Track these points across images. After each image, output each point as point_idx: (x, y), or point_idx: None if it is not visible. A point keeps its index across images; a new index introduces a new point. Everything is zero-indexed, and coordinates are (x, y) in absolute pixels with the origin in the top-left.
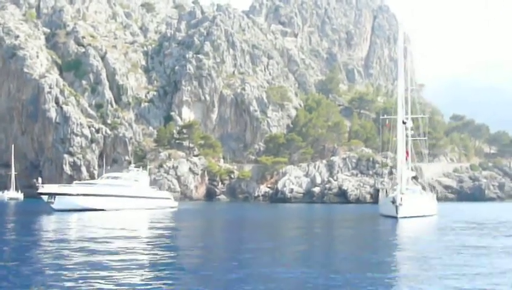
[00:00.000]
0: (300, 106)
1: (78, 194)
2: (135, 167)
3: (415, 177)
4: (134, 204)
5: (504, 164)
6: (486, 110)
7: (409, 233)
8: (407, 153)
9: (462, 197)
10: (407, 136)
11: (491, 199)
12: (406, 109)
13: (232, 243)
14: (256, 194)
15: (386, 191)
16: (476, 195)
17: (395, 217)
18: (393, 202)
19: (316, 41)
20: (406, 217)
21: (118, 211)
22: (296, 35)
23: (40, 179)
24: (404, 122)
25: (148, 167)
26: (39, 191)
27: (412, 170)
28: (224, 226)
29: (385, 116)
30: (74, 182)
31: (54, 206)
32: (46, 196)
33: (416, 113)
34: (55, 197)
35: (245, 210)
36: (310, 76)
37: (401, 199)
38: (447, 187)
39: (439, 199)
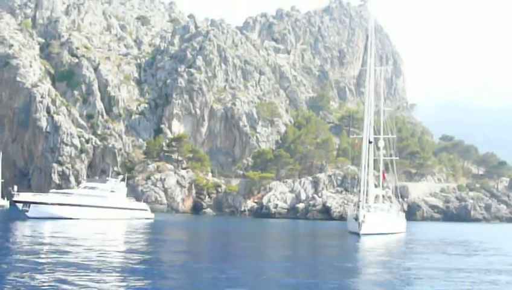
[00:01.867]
0: (291, 122)
1: (53, 203)
2: (116, 178)
3: (401, 196)
4: (109, 214)
5: (491, 185)
6: (478, 131)
7: (357, 250)
8: (383, 173)
9: (448, 218)
10: (378, 156)
11: (477, 220)
12: (378, 128)
13: (179, 255)
14: (242, 208)
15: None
16: (461, 215)
17: (358, 234)
18: (356, 219)
19: (308, 59)
20: (368, 234)
21: (91, 221)
22: (288, 52)
23: (15, 187)
24: (370, 142)
25: (136, 178)
26: (14, 199)
27: (390, 188)
28: (190, 238)
29: (354, 136)
30: (50, 191)
31: (28, 214)
32: (21, 204)
33: (390, 133)
34: (29, 206)
35: (222, 224)
36: (301, 93)
37: (363, 216)
38: (433, 207)
39: (424, 219)
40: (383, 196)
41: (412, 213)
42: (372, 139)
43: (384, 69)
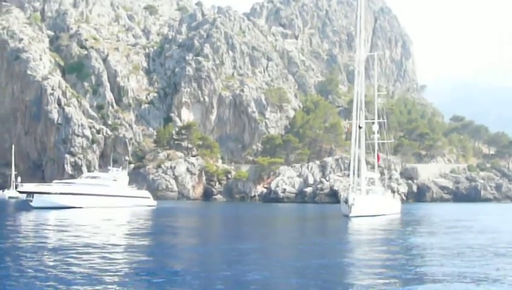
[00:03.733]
0: (299, 107)
1: (56, 193)
2: (128, 166)
3: (410, 178)
4: (111, 202)
5: (502, 164)
6: (492, 110)
7: (339, 231)
8: (378, 156)
9: (458, 198)
10: (373, 139)
11: (488, 200)
12: (371, 111)
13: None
14: (252, 194)
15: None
16: (471, 196)
17: (348, 216)
18: (346, 201)
19: (316, 43)
20: (358, 216)
21: (94, 209)
22: (296, 37)
23: (19, 179)
24: (360, 127)
25: (147, 166)
26: (18, 189)
27: (396, 171)
28: (187, 224)
29: (347, 121)
30: (54, 181)
31: (32, 204)
32: (25, 195)
33: (382, 117)
34: (33, 196)
35: (223, 209)
36: (309, 77)
37: (353, 198)
38: (442, 188)
39: (434, 200)
40: (380, 178)
41: (421, 195)
42: (362, 125)
43: (380, 55)
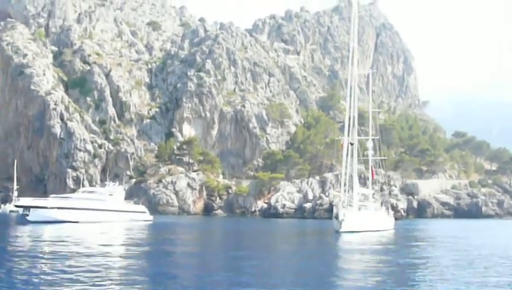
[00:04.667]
0: (301, 122)
1: (52, 207)
2: (129, 181)
3: (410, 194)
4: (108, 217)
5: (504, 181)
6: (495, 125)
7: (326, 246)
8: (372, 172)
9: (459, 214)
10: (367, 156)
11: (489, 216)
12: (361, 127)
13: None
14: (253, 209)
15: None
16: (473, 212)
17: (339, 232)
18: (337, 217)
19: (318, 59)
20: (349, 231)
21: (90, 224)
22: (298, 53)
23: (15, 193)
24: (351, 144)
25: (148, 181)
26: (15, 203)
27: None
28: (178, 239)
29: (339, 137)
30: (50, 195)
31: (28, 218)
32: (21, 209)
33: (375, 134)
34: (29, 210)
35: (217, 224)
36: (311, 93)
37: (343, 214)
38: (444, 204)
39: (435, 216)
40: (373, 195)
41: (422, 211)
42: (353, 141)
43: (374, 72)
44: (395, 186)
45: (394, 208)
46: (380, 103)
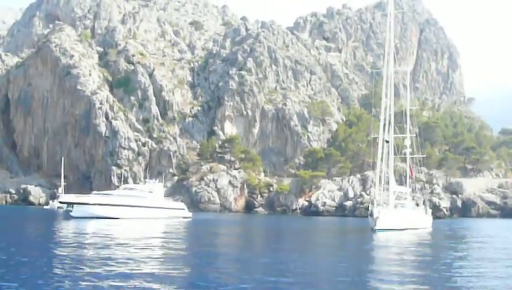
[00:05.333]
0: (342, 120)
1: (94, 204)
2: (171, 179)
3: (454, 193)
4: (147, 213)
5: None
6: None
7: (359, 243)
8: (411, 169)
9: (506, 214)
10: (405, 153)
11: None
12: (414, 125)
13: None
14: (294, 207)
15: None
16: None
17: (374, 230)
18: (371, 215)
19: (360, 56)
20: (384, 229)
21: (131, 220)
22: (340, 50)
23: (60, 189)
24: (387, 141)
25: (190, 179)
26: (59, 200)
27: (439, 185)
28: (216, 235)
29: (375, 135)
30: (92, 192)
31: (72, 214)
32: (66, 205)
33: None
34: (73, 206)
35: (261, 222)
36: (353, 91)
37: (378, 212)
38: (489, 203)
39: (480, 215)
40: (411, 193)
41: (466, 210)
42: (389, 139)
43: (403, 70)
44: (438, 185)
45: (436, 207)
46: (423, 100)
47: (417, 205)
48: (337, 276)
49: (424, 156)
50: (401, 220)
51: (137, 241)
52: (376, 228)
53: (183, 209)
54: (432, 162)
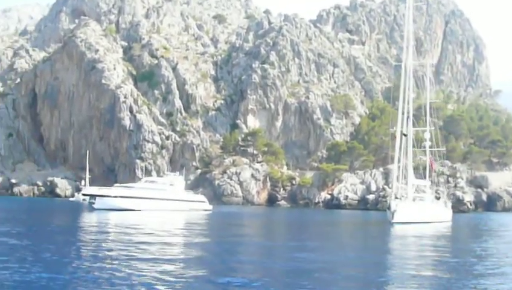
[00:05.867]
0: (366, 113)
1: (116, 196)
2: (194, 172)
3: (479, 187)
4: (168, 206)
5: None
6: None
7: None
8: (431, 163)
9: None
10: (425, 147)
11: None
12: (440, 118)
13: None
14: (316, 200)
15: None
16: None
17: (392, 223)
18: (389, 208)
19: (384, 49)
20: (401, 222)
21: (152, 212)
22: (363, 43)
23: (83, 182)
24: (405, 135)
25: (213, 172)
26: (82, 192)
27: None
28: (225, 228)
29: (394, 128)
30: (115, 185)
31: (95, 206)
32: (88, 197)
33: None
34: (95, 198)
35: (283, 215)
36: (376, 83)
37: (395, 205)
38: None
39: (506, 209)
40: (431, 186)
41: (492, 204)
42: (406, 132)
43: (421, 64)
44: (462, 179)
45: (460, 200)
46: (448, 93)
47: (438, 198)
48: (343, 267)
49: (445, 149)
50: (419, 214)
51: (156, 230)
52: (393, 221)
53: (204, 201)
54: (457, 156)
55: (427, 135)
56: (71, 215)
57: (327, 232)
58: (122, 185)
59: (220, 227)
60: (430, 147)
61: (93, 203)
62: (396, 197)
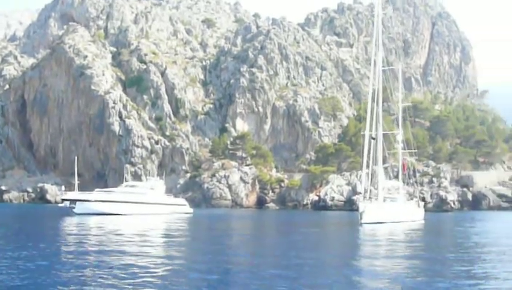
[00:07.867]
0: (354, 115)
1: (96, 200)
2: (184, 176)
3: (465, 186)
4: (148, 210)
5: None
6: None
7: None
8: (403, 164)
9: None
10: (396, 148)
11: None
12: (427, 119)
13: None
14: (305, 202)
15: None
16: None
17: (361, 223)
18: (357, 209)
19: (371, 51)
20: (370, 223)
21: (132, 216)
22: (351, 46)
23: (63, 187)
24: (373, 138)
25: (202, 176)
26: (62, 197)
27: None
28: (205, 231)
29: (363, 132)
30: (95, 189)
31: (75, 210)
32: (68, 202)
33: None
34: (75, 203)
35: (267, 217)
36: (364, 85)
37: (364, 206)
38: (500, 196)
39: (491, 208)
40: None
41: (477, 203)
42: (374, 136)
43: (397, 69)
44: (445, 179)
45: (443, 200)
46: (436, 93)
47: (423, 199)
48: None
49: (416, 150)
50: (388, 214)
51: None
52: (362, 221)
53: (185, 205)
54: (443, 156)
55: (399, 138)
56: (50, 220)
57: (292, 232)
58: (102, 189)
59: (189, 232)
60: (403, 148)
61: (73, 207)
62: (369, 198)
